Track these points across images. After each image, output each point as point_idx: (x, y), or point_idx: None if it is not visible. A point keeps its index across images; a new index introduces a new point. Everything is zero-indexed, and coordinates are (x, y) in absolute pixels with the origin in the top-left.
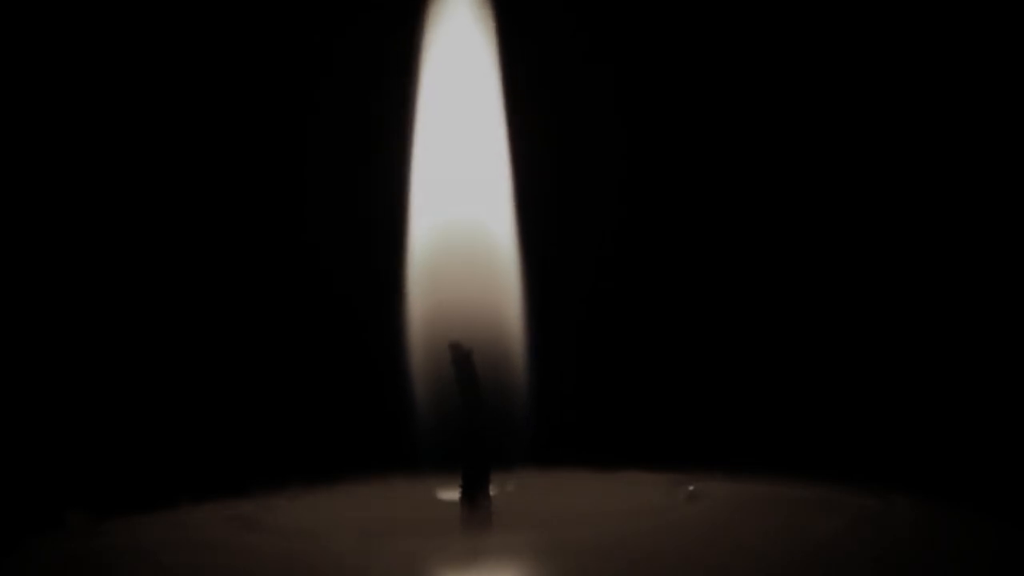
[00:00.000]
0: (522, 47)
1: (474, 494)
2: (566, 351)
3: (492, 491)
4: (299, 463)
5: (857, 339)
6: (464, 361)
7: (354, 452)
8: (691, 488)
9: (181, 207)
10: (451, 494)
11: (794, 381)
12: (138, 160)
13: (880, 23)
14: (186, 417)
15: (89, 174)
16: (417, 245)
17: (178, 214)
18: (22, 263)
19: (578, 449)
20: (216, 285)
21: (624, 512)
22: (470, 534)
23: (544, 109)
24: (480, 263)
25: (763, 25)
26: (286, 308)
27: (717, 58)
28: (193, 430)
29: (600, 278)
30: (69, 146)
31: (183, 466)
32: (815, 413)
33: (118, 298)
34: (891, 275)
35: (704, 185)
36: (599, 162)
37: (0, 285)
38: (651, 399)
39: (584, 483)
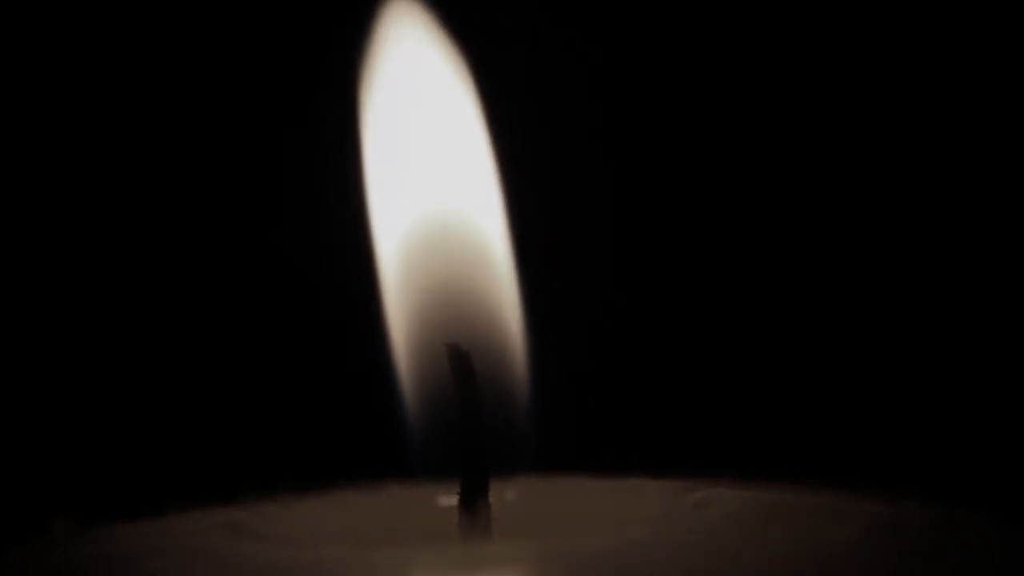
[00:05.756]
0: (504, 33)
1: (473, 501)
2: (568, 353)
3: (492, 498)
4: (292, 468)
5: (866, 344)
6: (462, 362)
7: (349, 457)
8: (698, 495)
9: (162, 212)
10: (449, 501)
11: (802, 386)
12: (110, 165)
13: (878, 20)
14: (175, 422)
15: (69, 181)
16: (403, 242)
17: (161, 219)
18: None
19: (580, 455)
20: (206, 289)
21: (628, 520)
22: (469, 542)
23: (529, 96)
24: (473, 259)
25: (754, 17)
26: (278, 311)
27: (703, 44)
28: (182, 435)
29: (604, 277)
30: (61, 149)
31: (172, 472)
32: (824, 419)
33: (107, 302)
34: (900, 281)
35: (711, 177)
36: (596, 150)
37: None
38: (656, 403)
39: (586, 490)
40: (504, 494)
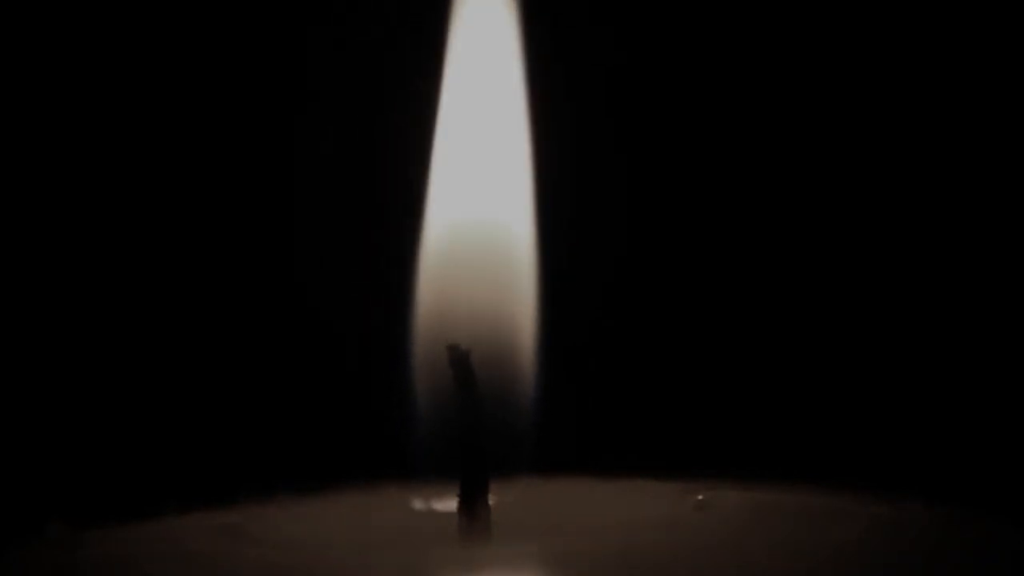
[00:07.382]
0: (547, 46)
1: (473, 504)
2: (571, 355)
3: (491, 500)
4: (290, 471)
5: (866, 345)
6: (462, 363)
7: (347, 459)
8: (700, 497)
9: (163, 210)
10: (449, 504)
11: (805, 387)
12: (130, 162)
13: (884, 22)
14: (173, 424)
15: (68, 183)
16: (427, 246)
17: (160, 218)
18: None
19: (581, 456)
20: (206, 289)
21: (630, 522)
22: (469, 545)
23: (567, 111)
24: (492, 265)
25: (790, 26)
26: (277, 312)
27: (743, 62)
28: (180, 438)
29: (609, 282)
30: (54, 152)
31: (168, 474)
32: (826, 420)
33: (103, 304)
34: (899, 282)
35: (722, 193)
36: (619, 167)
37: None
38: (658, 405)
39: (588, 492)
40: (504, 496)
